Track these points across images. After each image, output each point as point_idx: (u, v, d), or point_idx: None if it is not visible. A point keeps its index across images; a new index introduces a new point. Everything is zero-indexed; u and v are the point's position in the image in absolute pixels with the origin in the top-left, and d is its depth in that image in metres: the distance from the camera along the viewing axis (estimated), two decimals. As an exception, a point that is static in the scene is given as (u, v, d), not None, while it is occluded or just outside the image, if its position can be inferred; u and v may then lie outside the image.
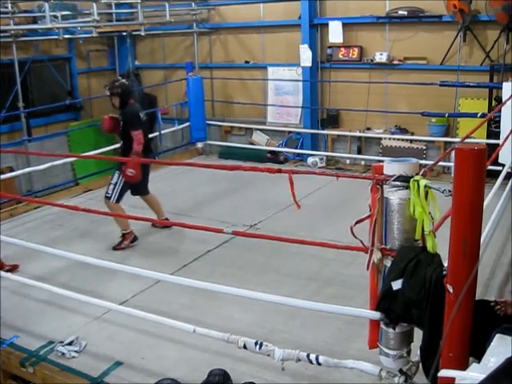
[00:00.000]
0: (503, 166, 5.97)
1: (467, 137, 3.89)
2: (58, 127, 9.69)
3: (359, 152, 8.85)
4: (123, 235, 5.64)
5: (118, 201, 5.63)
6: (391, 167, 2.64)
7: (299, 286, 4.67)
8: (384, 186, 2.68)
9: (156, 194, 6.10)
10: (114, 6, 9.72)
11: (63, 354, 3.80)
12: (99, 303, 3.94)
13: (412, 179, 2.54)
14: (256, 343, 3.11)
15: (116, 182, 5.60)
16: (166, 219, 5.84)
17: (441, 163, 7.35)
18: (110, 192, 5.62)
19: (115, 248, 5.60)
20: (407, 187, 2.57)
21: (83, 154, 7.31)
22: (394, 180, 2.60)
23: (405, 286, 2.60)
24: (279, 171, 2.97)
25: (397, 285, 2.61)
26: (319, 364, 2.98)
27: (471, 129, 4.02)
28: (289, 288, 4.55)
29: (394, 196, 2.64)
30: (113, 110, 5.83)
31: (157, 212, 6.00)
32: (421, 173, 2.62)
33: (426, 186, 2.50)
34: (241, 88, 9.97)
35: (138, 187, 5.79)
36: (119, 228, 5.64)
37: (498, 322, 2.45)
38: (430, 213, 2.55)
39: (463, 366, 2.19)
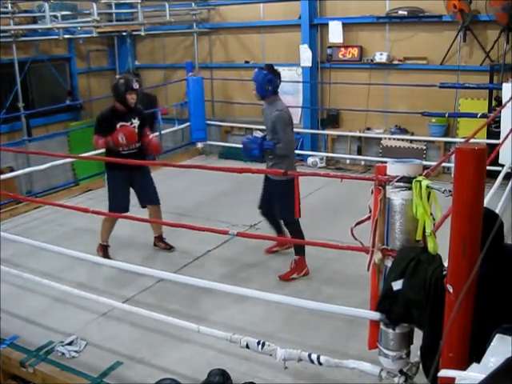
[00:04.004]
0: (503, 166, 5.97)
1: (470, 138, 3.88)
2: (58, 127, 9.70)
3: (359, 152, 8.84)
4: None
5: None
6: (394, 168, 2.64)
7: (299, 286, 4.67)
8: (387, 187, 2.67)
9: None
10: (114, 6, 9.71)
11: (63, 353, 3.81)
12: (100, 301, 3.93)
13: (414, 180, 2.54)
14: (258, 343, 3.11)
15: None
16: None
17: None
18: (157, 195, 5.45)
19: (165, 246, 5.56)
20: (410, 188, 2.57)
21: (85, 155, 6.79)
22: (397, 181, 2.59)
23: (405, 286, 2.60)
24: (285, 174, 2.97)
25: (397, 285, 2.61)
26: (320, 364, 2.98)
27: (472, 129, 4.01)
28: (289, 288, 4.56)
29: (397, 197, 2.63)
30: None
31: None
32: (424, 173, 2.62)
33: (428, 187, 2.50)
34: (241, 88, 9.96)
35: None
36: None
37: (497, 322, 2.44)
38: (431, 214, 2.55)
39: (463, 366, 2.18)
